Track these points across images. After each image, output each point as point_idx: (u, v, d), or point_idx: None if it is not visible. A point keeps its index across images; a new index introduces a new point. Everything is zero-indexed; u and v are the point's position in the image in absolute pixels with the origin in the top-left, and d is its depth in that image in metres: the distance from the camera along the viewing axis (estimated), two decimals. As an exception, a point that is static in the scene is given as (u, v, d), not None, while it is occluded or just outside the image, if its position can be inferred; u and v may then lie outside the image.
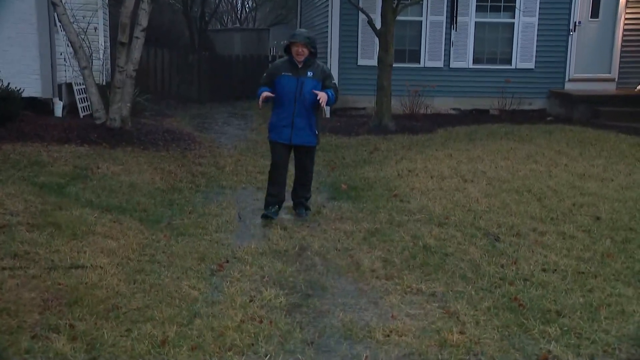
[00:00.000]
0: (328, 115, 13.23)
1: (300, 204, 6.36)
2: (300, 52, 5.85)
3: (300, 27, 18.38)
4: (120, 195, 6.64)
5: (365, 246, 5.35)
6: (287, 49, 5.96)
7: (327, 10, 13.40)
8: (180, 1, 22.18)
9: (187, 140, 10.31)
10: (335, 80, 6.11)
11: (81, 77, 10.44)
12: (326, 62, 13.38)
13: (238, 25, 29.87)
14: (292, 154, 6.32)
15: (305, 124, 6.01)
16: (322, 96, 5.80)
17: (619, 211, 6.16)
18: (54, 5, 9.71)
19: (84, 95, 11.57)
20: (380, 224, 5.92)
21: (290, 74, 5.91)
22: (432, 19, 13.28)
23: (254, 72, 15.24)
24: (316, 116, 6.09)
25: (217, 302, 4.09)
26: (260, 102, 5.99)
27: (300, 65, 5.91)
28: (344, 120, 12.46)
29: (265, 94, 5.93)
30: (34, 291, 3.96)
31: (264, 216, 6.18)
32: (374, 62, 12.10)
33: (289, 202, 6.47)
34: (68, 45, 10.68)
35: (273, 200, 6.23)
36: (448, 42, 13.36)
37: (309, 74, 5.91)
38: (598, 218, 5.96)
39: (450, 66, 13.48)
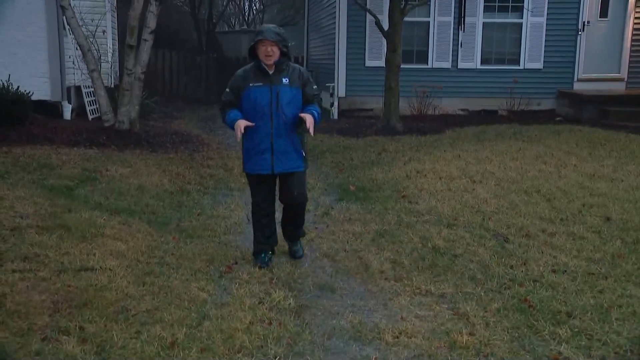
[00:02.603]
0: (335, 117, 13.24)
1: (295, 238, 5.23)
2: (270, 52, 4.59)
3: (307, 29, 18.42)
4: (128, 198, 6.67)
5: (373, 247, 5.34)
6: (252, 52, 4.71)
7: (335, 12, 13.39)
8: (188, 3, 22.26)
9: (195, 142, 10.35)
10: (317, 85, 5.00)
11: (90, 80, 10.51)
12: (334, 64, 13.41)
13: (245, 27, 29.91)
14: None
15: (289, 145, 4.76)
16: (309, 120, 4.60)
17: (629, 212, 6.11)
18: (63, 8, 9.76)
19: (93, 98, 11.63)
20: (388, 225, 5.90)
21: (260, 83, 4.65)
22: (439, 19, 13.26)
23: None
24: (301, 134, 4.84)
25: (226, 304, 4.09)
26: (239, 135, 4.64)
27: (271, 71, 4.67)
28: (352, 121, 12.46)
29: (244, 123, 4.61)
30: (43, 293, 3.97)
31: (259, 266, 4.90)
32: (381, 63, 12.09)
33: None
34: (77, 48, 10.75)
35: (263, 248, 5.03)
36: (456, 42, 13.33)
37: (284, 80, 4.67)
38: (608, 219, 5.92)
39: (458, 67, 13.45)
